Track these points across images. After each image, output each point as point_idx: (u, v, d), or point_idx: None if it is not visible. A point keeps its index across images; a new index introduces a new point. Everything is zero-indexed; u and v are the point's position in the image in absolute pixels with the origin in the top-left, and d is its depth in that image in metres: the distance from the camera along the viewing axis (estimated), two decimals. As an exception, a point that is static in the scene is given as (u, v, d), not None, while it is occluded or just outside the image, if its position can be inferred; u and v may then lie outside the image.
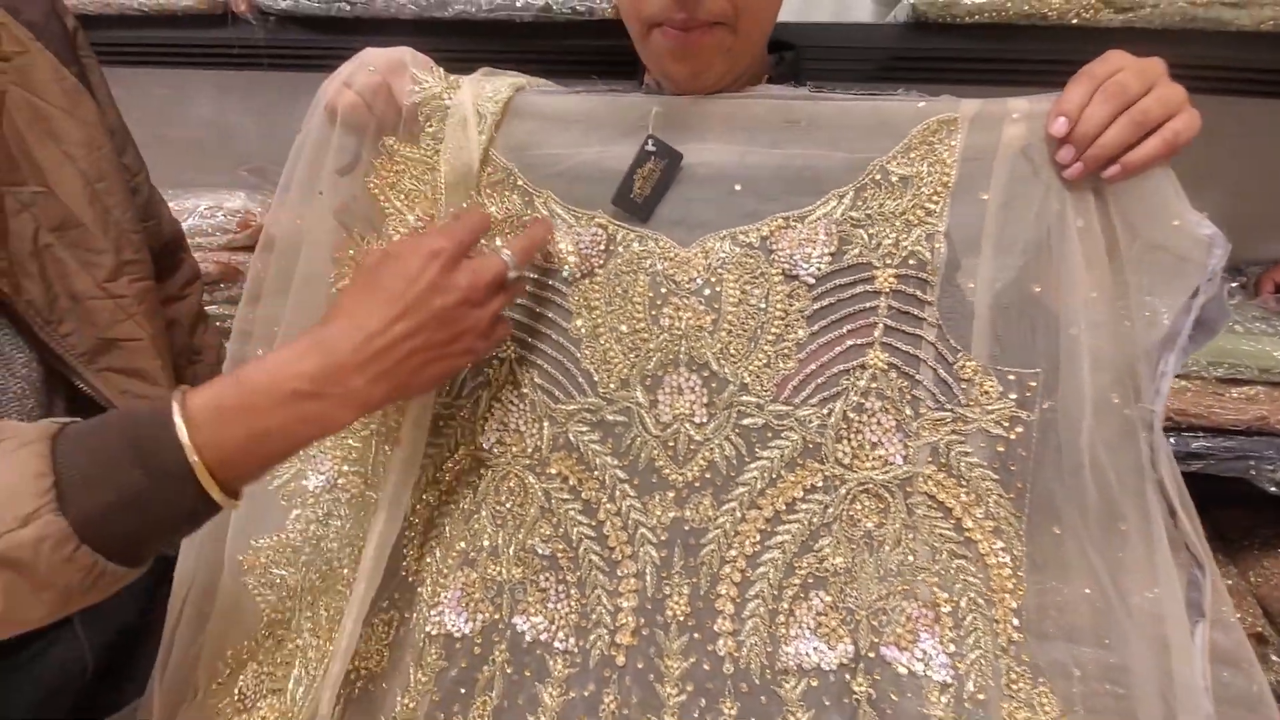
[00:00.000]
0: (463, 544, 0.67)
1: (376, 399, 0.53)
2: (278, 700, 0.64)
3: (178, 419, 0.46)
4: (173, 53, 1.10)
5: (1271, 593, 1.16)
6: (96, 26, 1.05)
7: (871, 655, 0.59)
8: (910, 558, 0.60)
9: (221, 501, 0.48)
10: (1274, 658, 1.11)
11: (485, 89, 0.66)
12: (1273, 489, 1.08)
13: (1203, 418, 1.09)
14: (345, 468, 0.69)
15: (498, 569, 0.65)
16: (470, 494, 0.68)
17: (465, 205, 0.67)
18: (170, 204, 0.87)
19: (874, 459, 0.61)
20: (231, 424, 0.48)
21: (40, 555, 0.42)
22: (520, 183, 0.67)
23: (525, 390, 0.67)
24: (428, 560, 0.68)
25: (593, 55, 0.99)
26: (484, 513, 0.66)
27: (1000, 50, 0.96)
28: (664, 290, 0.63)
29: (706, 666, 0.60)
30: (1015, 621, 0.59)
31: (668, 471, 0.63)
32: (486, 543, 0.66)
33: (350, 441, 0.70)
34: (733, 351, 0.62)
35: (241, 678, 0.66)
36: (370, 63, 0.66)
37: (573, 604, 0.63)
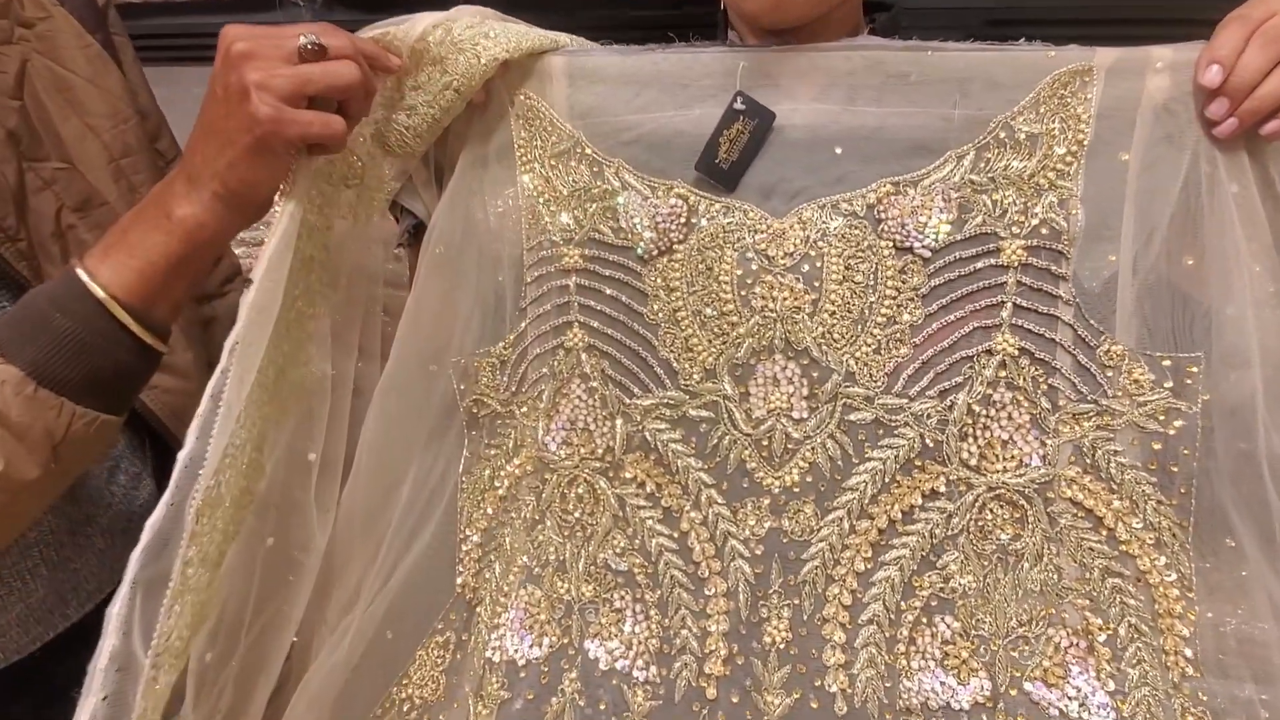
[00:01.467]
0: (525, 558, 0.59)
1: (202, 198, 0.51)
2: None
3: (79, 269, 0.50)
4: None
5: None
6: (135, 16, 1.01)
7: (1013, 693, 0.50)
8: (1055, 576, 0.51)
9: (141, 334, 0.51)
10: None
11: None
12: None
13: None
14: None
15: (566, 586, 0.57)
16: (533, 501, 0.60)
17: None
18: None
19: (1006, 459, 0.53)
20: (121, 258, 0.51)
21: (5, 399, 0.47)
22: (588, 151, 0.59)
23: (595, 383, 0.59)
24: (486, 576, 0.61)
25: (666, 23, 0.91)
26: (549, 523, 0.59)
27: (1120, 5, 0.86)
28: (755, 267, 0.55)
29: (814, 704, 0.51)
30: (1188, 653, 0.49)
31: (761, 475, 0.55)
32: (553, 556, 0.58)
33: None
34: (836, 336, 0.54)
35: None
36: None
37: (653, 627, 0.55)
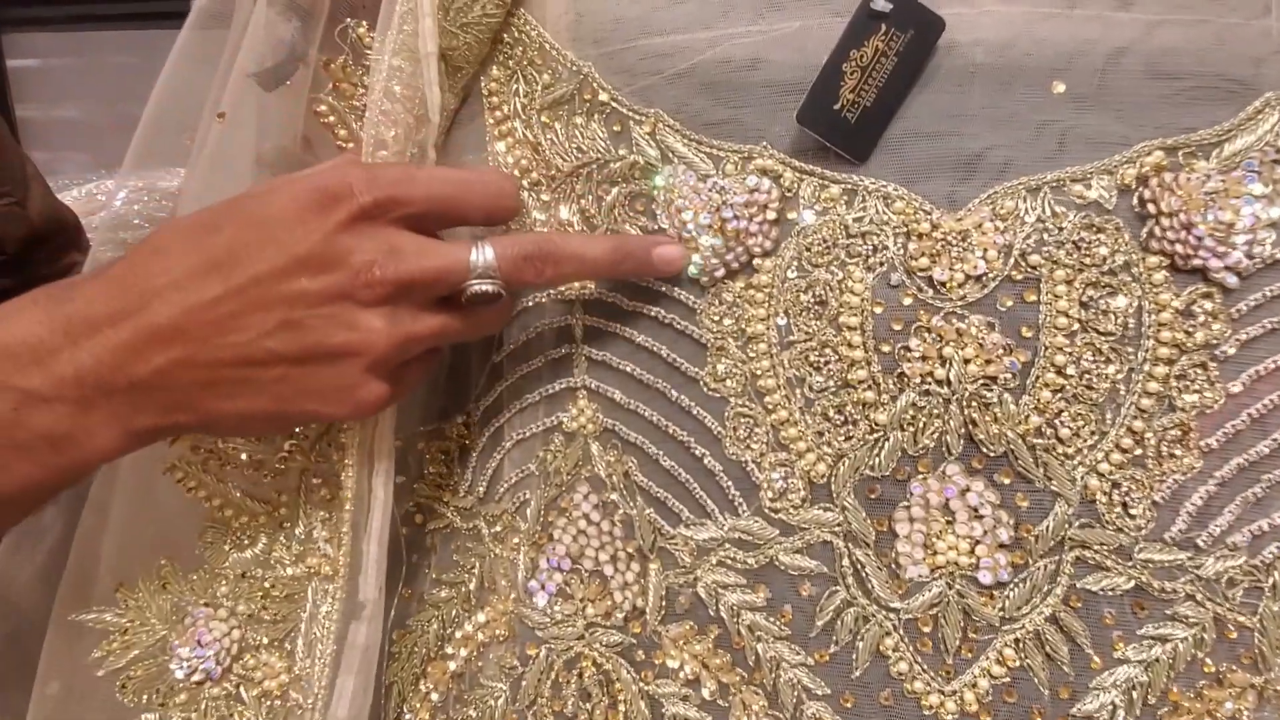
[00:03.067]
0: (488, 795, 0.35)
1: (137, 426, 0.30)
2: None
3: None
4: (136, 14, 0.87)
5: None
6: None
7: None
8: None
9: None
10: None
11: None
12: None
13: None
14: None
15: None
16: (505, 693, 0.36)
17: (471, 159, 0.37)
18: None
19: (1376, 667, 0.29)
20: None
21: None
22: (603, 98, 0.35)
23: (614, 496, 0.35)
24: (424, 815, 0.36)
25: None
26: (530, 730, 0.34)
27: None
28: (908, 302, 0.30)
29: None
30: None
31: (920, 687, 0.30)
32: (535, 799, 0.34)
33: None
34: (1065, 432, 0.30)
35: None
36: None
37: None
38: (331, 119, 0.37)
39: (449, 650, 0.38)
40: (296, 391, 0.30)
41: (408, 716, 0.38)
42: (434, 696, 0.38)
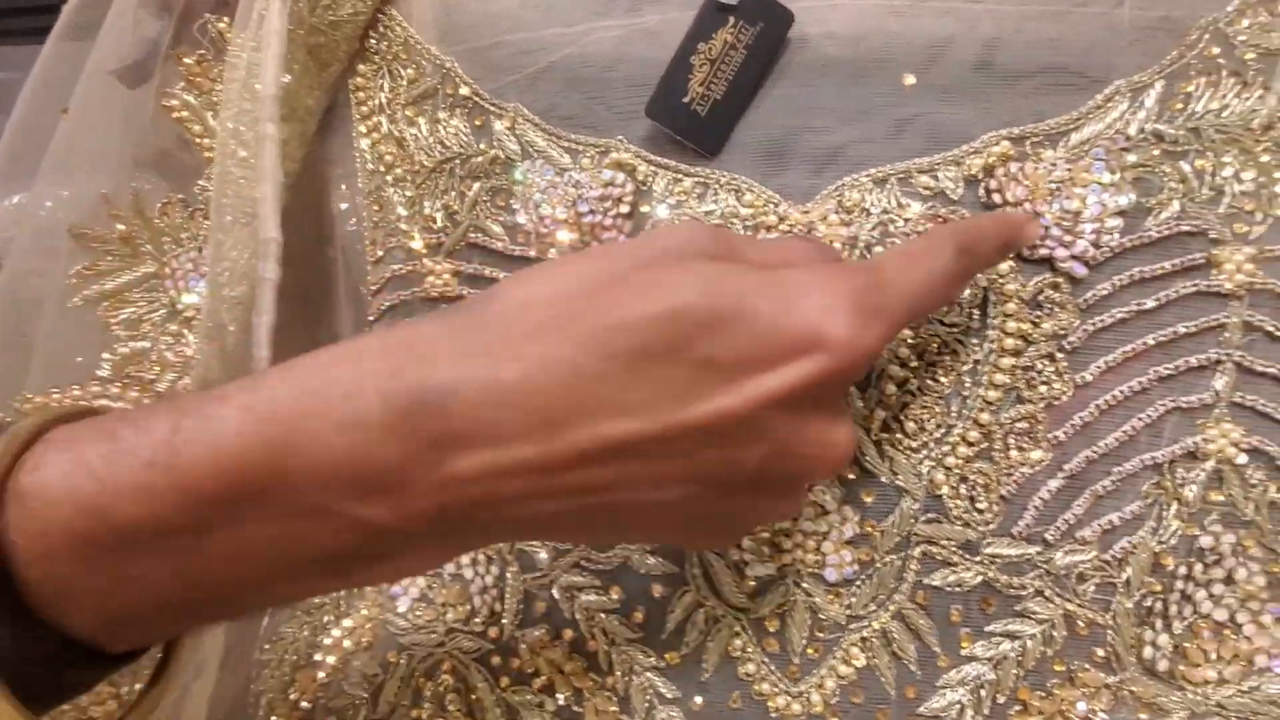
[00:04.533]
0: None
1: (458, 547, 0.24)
2: None
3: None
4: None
5: None
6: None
7: None
8: None
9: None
10: None
11: None
12: None
13: None
14: None
15: None
16: (367, 702, 0.35)
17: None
18: None
19: (1224, 661, 0.28)
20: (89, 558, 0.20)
21: None
22: (465, 93, 0.34)
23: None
24: (285, 828, 0.35)
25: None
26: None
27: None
28: (756, 295, 0.30)
29: None
30: None
31: (767, 689, 0.29)
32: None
33: None
34: (910, 426, 0.29)
35: None
36: None
37: None
38: (185, 114, 0.36)
39: (318, 658, 0.37)
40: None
41: (280, 715, 0.37)
42: (304, 705, 0.37)
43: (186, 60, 0.36)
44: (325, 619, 0.37)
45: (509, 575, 0.33)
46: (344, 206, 0.38)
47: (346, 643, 0.36)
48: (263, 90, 0.31)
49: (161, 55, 0.36)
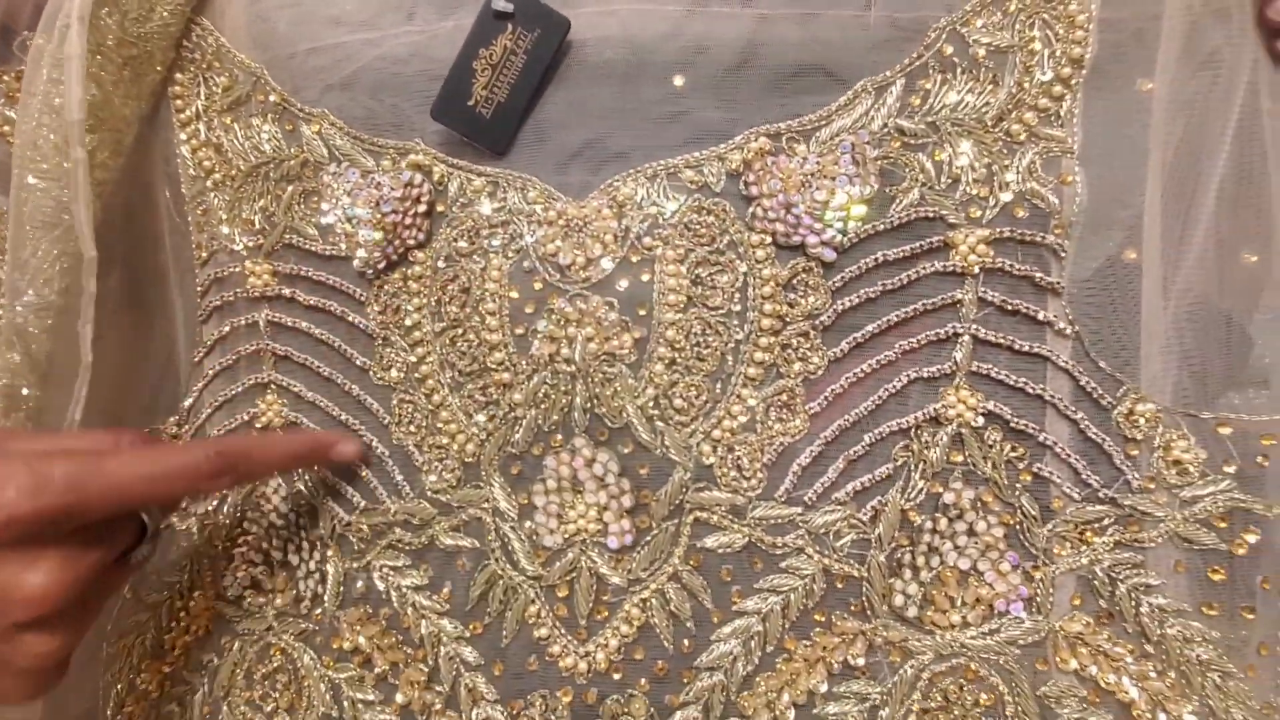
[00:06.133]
0: (185, 785, 0.35)
1: None
2: None
3: None
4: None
5: None
6: None
7: None
8: (1056, 813, 0.30)
9: None
10: None
11: None
12: None
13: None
14: None
15: (242, 842, 0.34)
16: (205, 685, 0.36)
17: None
18: None
19: (967, 606, 0.31)
20: None
21: None
22: (274, 99, 0.35)
23: (300, 487, 0.35)
24: (129, 812, 0.37)
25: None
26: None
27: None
28: (538, 285, 0.32)
29: None
30: None
31: (559, 650, 0.32)
32: (226, 785, 0.34)
33: None
34: (680, 402, 0.31)
35: None
36: None
37: None
38: (5, 129, 0.37)
39: (164, 650, 0.38)
40: None
41: (128, 709, 0.38)
42: (152, 692, 0.38)
43: (5, 77, 0.37)
44: (171, 609, 0.39)
45: (330, 558, 0.35)
46: (170, 212, 0.39)
47: (188, 632, 0.37)
48: (68, 115, 0.32)
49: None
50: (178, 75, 0.38)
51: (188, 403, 0.39)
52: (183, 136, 0.38)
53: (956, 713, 0.30)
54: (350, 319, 0.35)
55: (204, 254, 0.38)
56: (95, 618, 0.29)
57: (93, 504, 0.26)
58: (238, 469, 0.30)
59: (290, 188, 0.35)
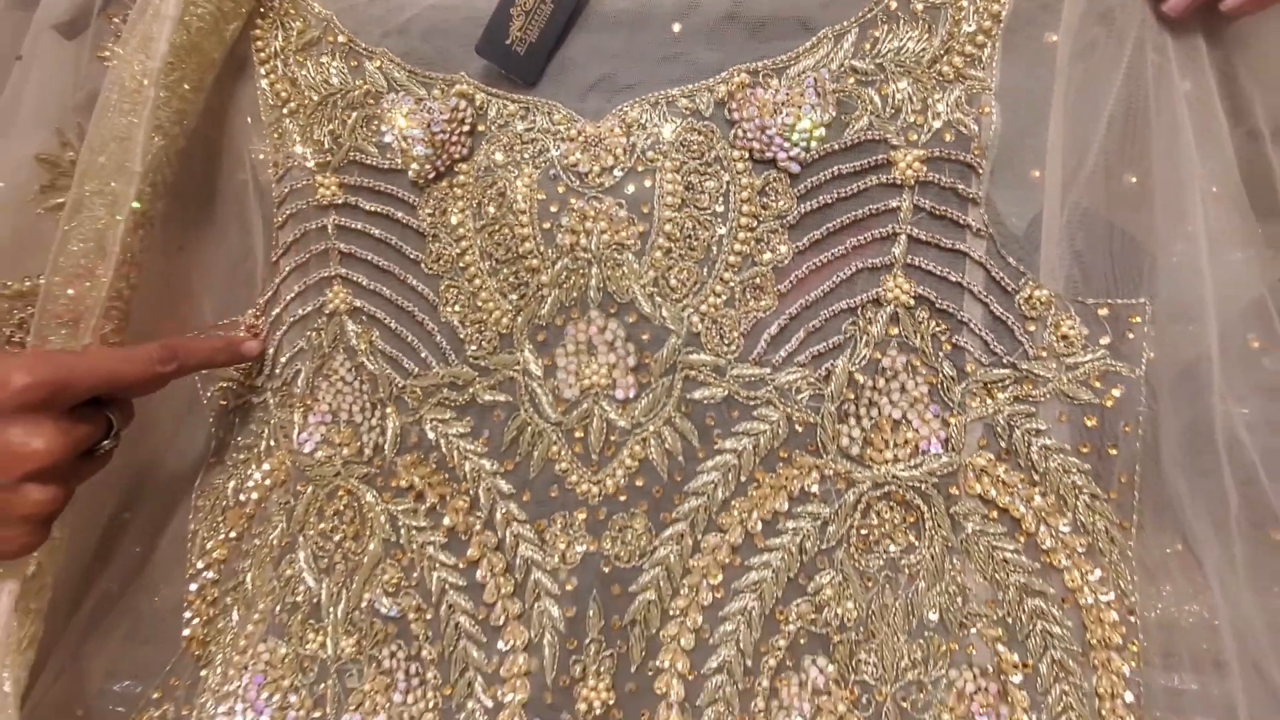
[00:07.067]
0: (269, 600, 0.43)
1: None
2: None
3: None
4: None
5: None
6: None
7: (908, 761, 0.37)
8: (958, 599, 0.38)
9: None
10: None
11: None
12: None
13: None
14: None
15: (319, 640, 0.42)
16: (283, 523, 0.44)
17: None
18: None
19: (898, 445, 0.39)
20: None
21: None
22: (342, 40, 0.43)
23: (363, 359, 0.43)
24: (220, 627, 0.45)
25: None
26: (302, 553, 0.43)
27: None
28: (561, 190, 0.40)
29: (644, 791, 0.37)
30: (1128, 698, 0.37)
31: (575, 480, 0.40)
32: (303, 598, 0.42)
33: None
34: (675, 283, 0.39)
35: None
36: None
37: (430, 696, 0.40)
38: (115, 62, 0.44)
39: (242, 498, 0.46)
40: None
41: (210, 547, 0.46)
42: (232, 534, 0.46)
43: (115, 20, 0.44)
44: (247, 468, 0.47)
45: (390, 415, 0.43)
46: (250, 136, 0.46)
47: (266, 481, 0.45)
48: (151, 64, 0.40)
49: (95, 13, 0.44)
50: (258, 20, 0.45)
51: (265, 297, 0.47)
52: (262, 72, 0.45)
53: (887, 528, 0.39)
54: (405, 220, 0.42)
55: (279, 171, 0.45)
56: (72, 492, 0.38)
57: (79, 380, 0.35)
58: (178, 357, 0.40)
59: (354, 114, 0.43)
